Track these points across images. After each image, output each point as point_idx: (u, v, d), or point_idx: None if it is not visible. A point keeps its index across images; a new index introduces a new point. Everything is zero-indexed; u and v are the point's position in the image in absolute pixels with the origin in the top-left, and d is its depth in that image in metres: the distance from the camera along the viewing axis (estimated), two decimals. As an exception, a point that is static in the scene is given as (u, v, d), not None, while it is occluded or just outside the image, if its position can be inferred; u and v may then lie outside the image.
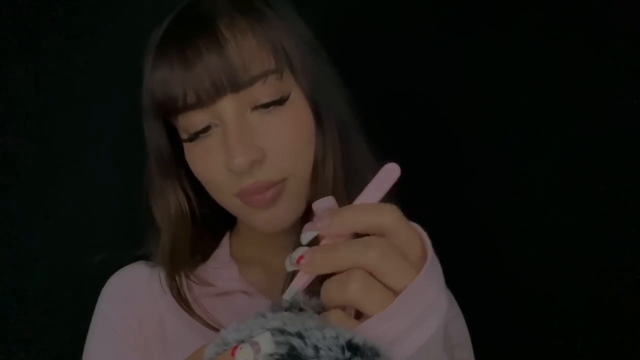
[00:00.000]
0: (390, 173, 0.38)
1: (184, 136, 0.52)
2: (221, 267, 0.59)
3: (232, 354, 0.30)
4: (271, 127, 0.50)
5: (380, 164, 0.40)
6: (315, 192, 0.54)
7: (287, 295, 0.35)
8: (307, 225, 0.36)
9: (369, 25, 0.83)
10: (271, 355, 0.29)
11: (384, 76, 0.81)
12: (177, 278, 0.56)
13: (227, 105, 0.49)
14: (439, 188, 0.81)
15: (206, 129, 0.51)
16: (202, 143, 0.51)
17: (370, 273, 0.33)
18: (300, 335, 0.30)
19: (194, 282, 0.57)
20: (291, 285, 0.35)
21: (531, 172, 0.80)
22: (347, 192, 0.54)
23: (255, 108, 0.50)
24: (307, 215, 0.54)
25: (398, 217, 0.34)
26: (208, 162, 0.51)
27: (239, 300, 0.57)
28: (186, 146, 0.53)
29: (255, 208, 0.51)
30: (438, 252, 0.36)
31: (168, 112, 0.51)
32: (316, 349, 0.29)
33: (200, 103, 0.49)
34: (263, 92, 0.49)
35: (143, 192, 0.59)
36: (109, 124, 0.78)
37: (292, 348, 0.29)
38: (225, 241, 0.62)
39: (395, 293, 0.33)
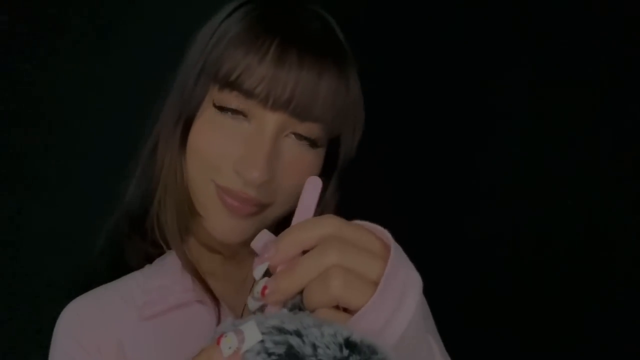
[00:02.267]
0: (313, 186, 0.38)
1: (216, 102, 0.51)
2: (174, 279, 0.57)
3: (217, 343, 0.30)
4: (292, 160, 0.51)
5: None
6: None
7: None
8: (256, 261, 0.36)
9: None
10: (269, 355, 0.29)
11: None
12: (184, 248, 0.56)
13: (277, 121, 0.49)
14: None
15: (239, 113, 0.50)
16: (226, 120, 0.50)
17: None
18: (298, 334, 0.29)
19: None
20: None
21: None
22: None
23: (290, 134, 0.51)
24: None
25: (338, 223, 0.34)
26: (218, 143, 0.51)
27: (196, 310, 0.56)
28: (209, 112, 0.51)
29: (223, 207, 0.51)
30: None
31: (223, 84, 0.50)
32: (314, 347, 0.29)
33: (263, 101, 0.49)
34: (308, 130, 0.51)
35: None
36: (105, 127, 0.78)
37: (290, 347, 0.29)
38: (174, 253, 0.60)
39: (371, 283, 0.33)
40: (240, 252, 0.59)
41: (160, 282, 0.57)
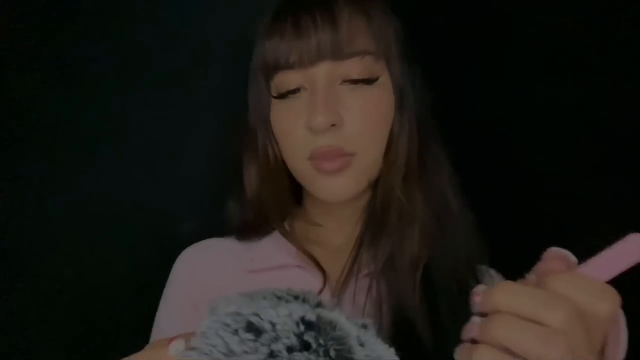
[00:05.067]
0: (634, 247, 0.31)
1: (274, 94, 0.58)
2: (279, 246, 0.63)
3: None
4: (355, 103, 0.55)
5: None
6: (386, 174, 0.59)
7: None
8: (475, 291, 0.36)
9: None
10: (229, 326, 0.32)
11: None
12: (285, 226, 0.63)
13: (323, 71, 0.55)
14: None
15: (296, 90, 0.56)
16: (290, 102, 0.57)
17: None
18: (255, 315, 0.32)
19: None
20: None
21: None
22: (420, 184, 0.59)
23: (345, 82, 0.55)
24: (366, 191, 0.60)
25: (615, 309, 0.31)
26: (291, 121, 0.57)
27: (297, 273, 0.61)
28: (275, 103, 0.59)
29: (322, 174, 0.57)
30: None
31: (270, 70, 0.57)
32: (272, 324, 0.32)
33: (301, 64, 0.54)
34: (357, 68, 0.55)
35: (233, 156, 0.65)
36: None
37: (250, 323, 0.32)
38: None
39: None
40: (345, 214, 0.64)
41: (266, 245, 0.64)
